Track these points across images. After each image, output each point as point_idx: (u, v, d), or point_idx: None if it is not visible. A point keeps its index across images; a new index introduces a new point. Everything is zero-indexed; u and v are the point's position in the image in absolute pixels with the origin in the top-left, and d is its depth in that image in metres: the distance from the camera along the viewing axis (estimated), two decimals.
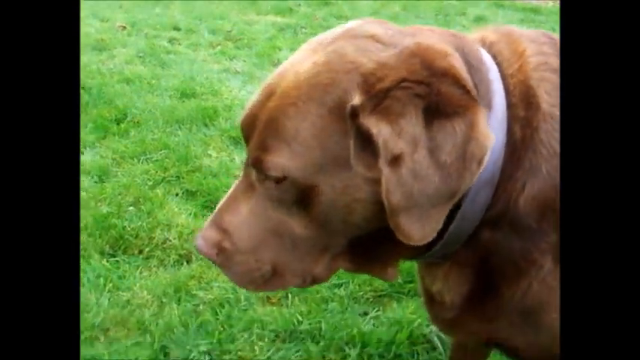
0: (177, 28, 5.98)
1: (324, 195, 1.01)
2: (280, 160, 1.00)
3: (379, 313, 2.17)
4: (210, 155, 3.27)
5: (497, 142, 1.00)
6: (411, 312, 2.11)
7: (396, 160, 0.94)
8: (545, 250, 1.08)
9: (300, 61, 1.05)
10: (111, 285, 2.30)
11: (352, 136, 0.97)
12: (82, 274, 2.33)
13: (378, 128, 0.94)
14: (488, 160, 0.96)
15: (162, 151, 3.25)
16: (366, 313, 2.17)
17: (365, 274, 1.24)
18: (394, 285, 2.28)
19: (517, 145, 1.04)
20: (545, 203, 1.05)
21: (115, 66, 4.68)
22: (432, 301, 1.29)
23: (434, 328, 2.04)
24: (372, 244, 1.09)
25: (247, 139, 1.09)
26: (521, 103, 1.05)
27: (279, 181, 1.02)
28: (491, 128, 0.99)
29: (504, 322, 1.18)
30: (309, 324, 2.09)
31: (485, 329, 1.23)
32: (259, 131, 1.04)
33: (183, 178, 3.02)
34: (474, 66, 1.04)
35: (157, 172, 3.06)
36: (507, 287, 1.13)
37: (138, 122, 3.61)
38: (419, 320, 2.07)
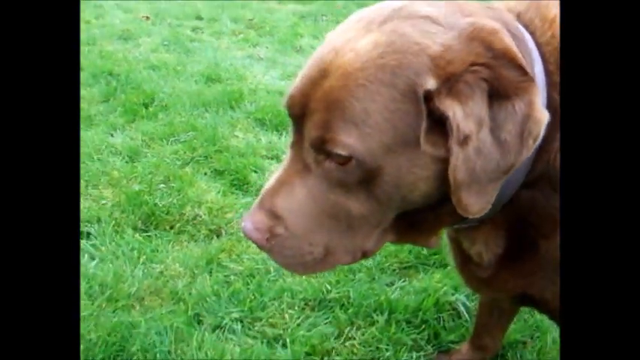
0: (199, 18, 6.06)
1: (389, 175, 1.02)
2: (349, 141, 0.99)
3: (405, 283, 2.22)
4: (237, 136, 3.34)
5: None
6: (437, 281, 2.16)
7: (465, 140, 0.97)
8: None
9: (353, 39, 1.03)
10: (144, 257, 2.37)
11: (424, 117, 0.99)
12: (116, 248, 2.42)
13: (453, 111, 0.97)
14: None
15: (190, 133, 3.32)
16: (392, 283, 2.22)
17: (408, 243, 1.26)
18: (419, 257, 2.33)
19: (556, 111, 1.07)
20: None
21: (140, 54, 4.77)
22: (466, 263, 1.33)
23: (459, 295, 2.09)
24: (420, 216, 1.12)
25: (298, 117, 1.07)
26: (557, 70, 1.08)
27: (344, 162, 1.01)
28: None
29: (539, 275, 1.23)
30: (338, 293, 2.15)
31: (519, 284, 1.28)
32: (319, 111, 1.02)
33: (211, 157, 3.09)
34: (517, 37, 1.06)
35: (185, 152, 3.14)
36: (545, 242, 1.18)
37: (166, 106, 3.69)
38: (444, 288, 2.12)
